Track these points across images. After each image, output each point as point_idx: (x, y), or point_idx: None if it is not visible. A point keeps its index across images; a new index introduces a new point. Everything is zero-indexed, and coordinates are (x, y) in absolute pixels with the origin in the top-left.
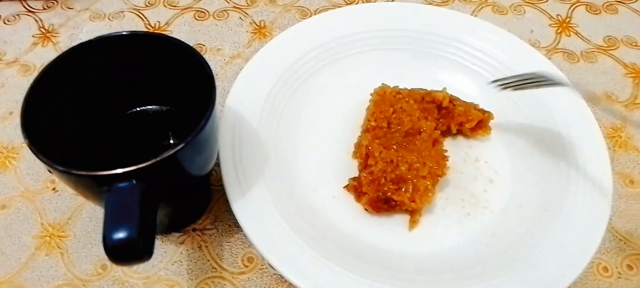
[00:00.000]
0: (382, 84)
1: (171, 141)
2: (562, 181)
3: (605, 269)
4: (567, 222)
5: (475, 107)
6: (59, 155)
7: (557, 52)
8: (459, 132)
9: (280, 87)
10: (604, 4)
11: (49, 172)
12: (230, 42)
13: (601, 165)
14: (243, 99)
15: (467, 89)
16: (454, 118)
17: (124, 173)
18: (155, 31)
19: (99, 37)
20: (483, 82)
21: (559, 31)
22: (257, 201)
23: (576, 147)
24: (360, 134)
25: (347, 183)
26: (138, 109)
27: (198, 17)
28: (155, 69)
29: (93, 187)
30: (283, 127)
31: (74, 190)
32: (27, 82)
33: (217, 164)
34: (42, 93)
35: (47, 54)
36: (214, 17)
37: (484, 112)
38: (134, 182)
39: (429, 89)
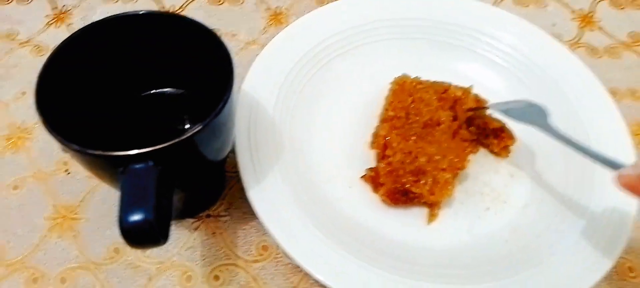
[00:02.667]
0: (403, 73)
1: (187, 126)
2: (585, 178)
3: (631, 269)
4: (591, 220)
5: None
6: (73, 136)
7: (579, 47)
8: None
9: (296, 73)
10: None
11: (63, 152)
12: (245, 28)
13: (626, 163)
14: (259, 86)
15: (487, 81)
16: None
17: (141, 154)
18: None
19: (114, 15)
20: (504, 74)
21: (581, 26)
22: (273, 188)
23: (601, 144)
24: (377, 124)
25: (364, 173)
26: (153, 91)
27: (213, 1)
28: (171, 50)
29: (108, 168)
30: (299, 115)
31: (88, 171)
32: (40, 62)
33: (232, 150)
34: (56, 71)
35: (60, 35)
36: (230, 2)
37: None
38: (151, 163)
39: (449, 82)
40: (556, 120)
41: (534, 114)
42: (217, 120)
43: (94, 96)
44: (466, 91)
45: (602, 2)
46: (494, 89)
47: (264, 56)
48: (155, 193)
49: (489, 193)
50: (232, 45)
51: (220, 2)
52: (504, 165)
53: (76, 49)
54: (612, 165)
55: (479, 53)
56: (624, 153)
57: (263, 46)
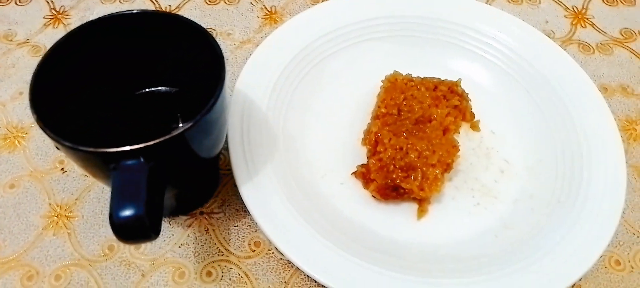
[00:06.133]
0: (394, 71)
1: (180, 125)
2: (575, 173)
3: (618, 262)
4: (579, 215)
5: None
6: (67, 133)
7: (571, 44)
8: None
9: (289, 72)
10: None
11: (57, 150)
12: (240, 27)
13: (615, 158)
14: (252, 84)
15: (479, 78)
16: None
17: (131, 150)
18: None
19: (109, 15)
20: (496, 71)
21: (574, 22)
22: (265, 186)
23: (590, 139)
24: (369, 121)
25: (355, 170)
26: (147, 90)
27: (209, 1)
28: (165, 49)
29: (100, 165)
30: (292, 113)
31: (82, 169)
32: (37, 63)
33: (226, 148)
34: (51, 70)
35: (57, 36)
36: (225, 2)
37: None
38: (142, 160)
39: (442, 78)
40: (546, 116)
41: None
42: (208, 118)
43: (88, 95)
44: (453, 85)
45: None
46: (484, 85)
47: (257, 54)
48: (146, 189)
49: (479, 188)
50: (227, 45)
51: (216, 2)
52: (495, 161)
53: (71, 48)
54: None
55: (470, 50)
56: (613, 149)
57: (258, 45)
